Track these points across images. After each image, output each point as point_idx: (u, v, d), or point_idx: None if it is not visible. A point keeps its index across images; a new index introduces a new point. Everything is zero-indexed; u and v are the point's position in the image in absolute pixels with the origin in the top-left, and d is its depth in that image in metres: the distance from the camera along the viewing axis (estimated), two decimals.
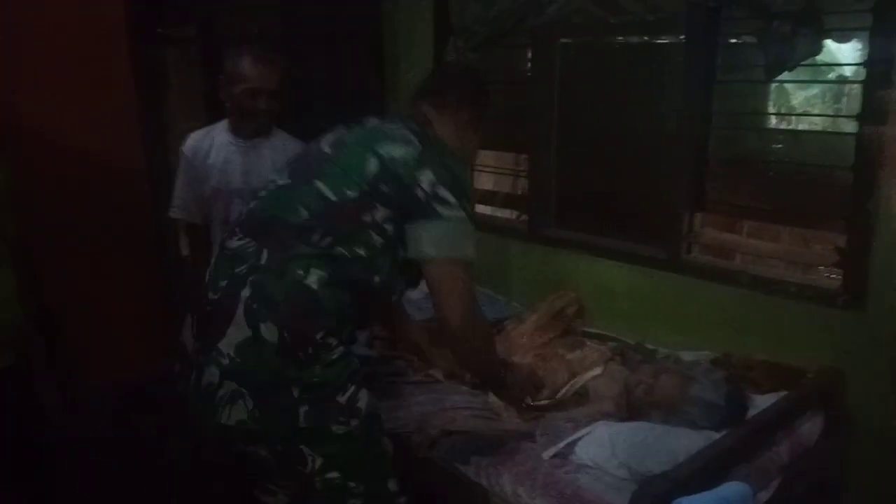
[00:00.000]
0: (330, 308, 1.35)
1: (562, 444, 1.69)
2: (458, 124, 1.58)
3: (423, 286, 1.51)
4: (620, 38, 2.56)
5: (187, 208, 2.28)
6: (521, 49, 2.90)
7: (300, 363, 1.31)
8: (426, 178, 1.39)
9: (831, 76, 3.04)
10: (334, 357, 1.35)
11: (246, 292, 1.32)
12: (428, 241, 1.40)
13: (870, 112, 1.76)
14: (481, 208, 3.14)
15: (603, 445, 1.62)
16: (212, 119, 2.37)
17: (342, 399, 1.36)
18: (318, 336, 1.33)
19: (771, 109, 2.87)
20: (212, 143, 2.26)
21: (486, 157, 3.06)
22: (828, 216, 2.08)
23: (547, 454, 1.68)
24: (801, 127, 3.40)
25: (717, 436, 1.58)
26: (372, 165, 1.40)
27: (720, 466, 1.46)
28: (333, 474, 1.37)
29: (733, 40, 2.17)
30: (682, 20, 2.11)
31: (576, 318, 2.20)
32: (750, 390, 1.79)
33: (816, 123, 3.24)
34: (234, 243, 1.41)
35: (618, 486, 1.54)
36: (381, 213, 1.39)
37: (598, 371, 1.92)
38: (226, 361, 1.29)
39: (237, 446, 1.43)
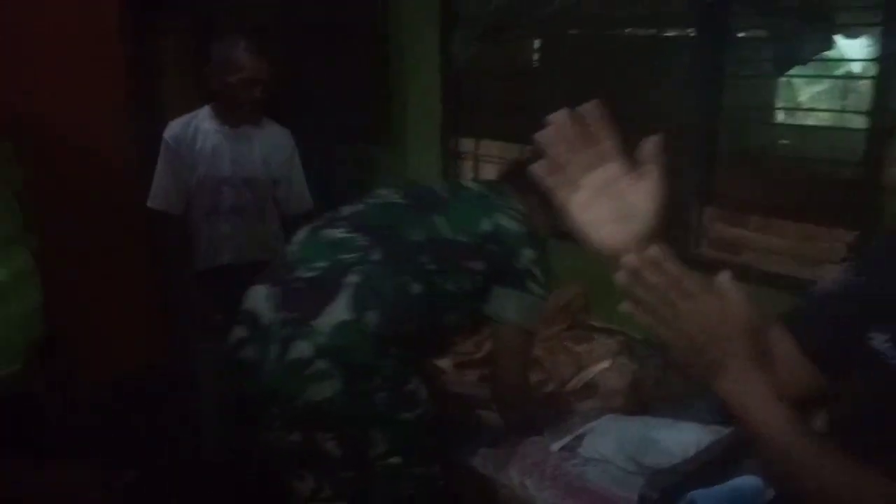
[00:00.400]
0: (420, 318, 1.48)
1: (569, 437, 1.70)
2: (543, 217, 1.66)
3: None
4: (629, 30, 2.54)
5: (167, 198, 2.25)
6: (526, 40, 2.89)
7: (388, 355, 1.41)
8: (528, 255, 1.55)
9: (840, 72, 3.03)
10: (407, 354, 1.46)
11: (353, 279, 1.40)
12: (512, 307, 1.54)
13: (879, 108, 1.76)
14: None
15: (611, 438, 1.63)
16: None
17: (409, 388, 1.45)
18: (406, 335, 1.44)
19: (779, 105, 2.86)
20: (196, 131, 2.23)
21: (490, 147, 3.05)
22: (837, 212, 2.07)
23: (555, 447, 1.68)
24: (808, 122, 3.39)
25: (725, 430, 1.58)
26: (486, 226, 1.55)
27: (729, 461, 1.46)
28: (395, 459, 1.43)
29: (741, 34, 2.16)
30: (692, 14, 2.10)
31: (582, 312, 2.20)
32: None
33: (825, 119, 3.23)
34: (338, 233, 1.51)
35: (625, 480, 1.54)
36: (478, 266, 1.53)
37: (606, 364, 1.92)
38: (322, 340, 1.34)
39: (297, 426, 1.42)
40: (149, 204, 2.25)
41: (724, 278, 0.81)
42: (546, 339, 2.07)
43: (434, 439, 1.55)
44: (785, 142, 2.45)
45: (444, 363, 2.14)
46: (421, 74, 2.81)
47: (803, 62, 1.82)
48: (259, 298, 1.44)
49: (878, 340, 0.81)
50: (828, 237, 2.45)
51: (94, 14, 2.60)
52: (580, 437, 1.70)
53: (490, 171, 3.20)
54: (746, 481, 1.15)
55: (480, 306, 1.55)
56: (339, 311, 1.36)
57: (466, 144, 2.97)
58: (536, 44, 2.70)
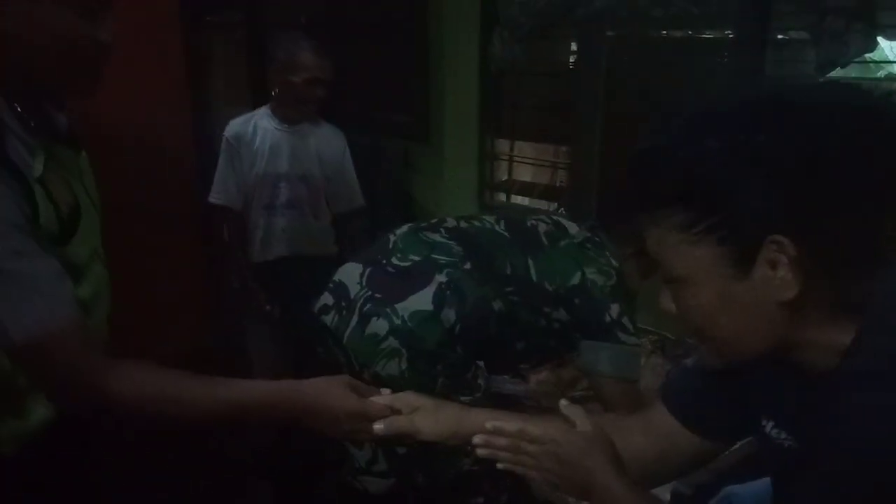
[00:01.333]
0: (493, 332, 1.55)
1: None
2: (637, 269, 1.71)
3: None
4: (668, 31, 2.54)
5: (228, 193, 2.33)
6: (562, 40, 2.90)
7: (454, 350, 1.50)
8: (615, 309, 1.57)
9: (881, 73, 2.99)
10: (471, 353, 1.57)
11: (441, 278, 1.49)
12: (606, 360, 1.57)
13: None
14: (519, 199, 3.15)
15: None
16: (257, 104, 2.42)
17: (469, 375, 1.54)
18: (475, 340, 1.54)
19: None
20: (255, 129, 2.31)
21: (524, 148, 3.07)
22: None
23: None
24: None
25: None
26: (575, 279, 1.57)
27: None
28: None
29: (780, 36, 2.15)
30: (732, 15, 2.10)
31: None
32: None
33: None
34: (437, 237, 1.59)
35: None
36: (558, 314, 1.58)
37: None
38: (398, 322, 1.45)
39: None
40: (210, 199, 2.34)
41: (565, 405, 0.93)
42: None
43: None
44: None
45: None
46: (460, 74, 2.84)
47: (845, 64, 1.80)
48: (351, 273, 1.55)
49: (768, 427, 0.83)
50: None
51: (154, 12, 2.68)
52: None
53: (523, 172, 3.22)
54: None
55: (558, 349, 1.63)
56: (421, 300, 1.46)
57: (502, 145, 2.99)
58: (575, 45, 2.71)
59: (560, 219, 1.73)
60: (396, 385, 1.39)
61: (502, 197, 3.07)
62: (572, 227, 1.69)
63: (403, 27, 2.95)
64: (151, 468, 2.35)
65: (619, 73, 2.51)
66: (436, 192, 3.07)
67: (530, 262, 1.58)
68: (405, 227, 1.66)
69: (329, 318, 1.52)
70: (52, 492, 1.05)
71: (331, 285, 1.58)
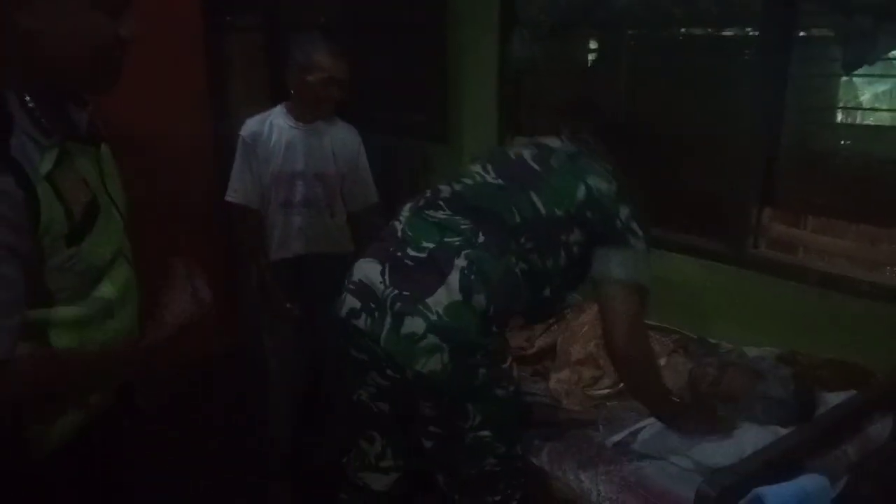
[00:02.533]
0: (523, 296, 1.54)
1: (625, 433, 1.71)
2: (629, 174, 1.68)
3: None
4: (692, 28, 2.53)
5: (245, 192, 2.34)
6: (580, 39, 2.89)
7: (492, 333, 1.49)
8: (624, 212, 1.54)
9: None
10: (505, 330, 1.58)
11: (461, 263, 1.47)
12: (617, 264, 1.52)
13: None
14: None
15: (667, 436, 1.64)
16: (276, 104, 2.43)
17: (506, 366, 1.54)
18: (509, 315, 1.54)
19: (840, 105, 2.81)
20: (271, 128, 2.32)
21: None
22: None
23: (610, 441, 1.70)
24: (871, 123, 3.31)
25: (783, 431, 1.58)
26: (581, 193, 1.54)
27: (788, 462, 1.46)
28: (486, 433, 1.51)
29: (802, 34, 2.13)
30: (756, 13, 2.08)
31: None
32: (817, 388, 1.78)
33: (888, 119, 3.14)
34: (440, 215, 1.57)
35: (682, 477, 1.56)
36: (574, 236, 1.55)
37: (661, 363, 1.92)
38: (434, 318, 1.43)
39: (398, 392, 1.56)
40: (227, 198, 2.35)
41: None
42: (600, 335, 2.08)
43: (519, 421, 1.63)
44: (846, 142, 2.41)
45: None
46: (479, 74, 2.84)
47: (872, 61, 1.78)
48: (372, 272, 1.53)
49: None
50: (887, 239, 2.40)
51: (175, 14, 2.69)
52: (635, 433, 1.71)
53: None
54: (813, 480, 1.16)
55: (582, 274, 1.58)
56: (450, 292, 1.45)
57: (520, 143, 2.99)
58: (595, 44, 2.70)
59: (539, 139, 1.68)
60: (439, 380, 1.44)
61: None
62: (554, 142, 1.65)
63: (422, 27, 2.95)
64: (175, 470, 2.37)
65: (638, 71, 2.50)
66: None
67: (534, 197, 1.54)
68: (406, 212, 1.63)
69: (361, 322, 1.50)
70: (80, 495, 1.06)
71: (351, 287, 1.55)
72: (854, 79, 3.24)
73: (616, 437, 1.71)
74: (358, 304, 1.52)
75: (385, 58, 3.09)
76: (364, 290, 1.52)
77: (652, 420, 1.71)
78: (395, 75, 3.10)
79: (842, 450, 1.60)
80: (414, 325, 1.43)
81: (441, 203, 1.59)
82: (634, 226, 1.54)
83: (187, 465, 2.43)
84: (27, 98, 0.93)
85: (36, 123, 0.92)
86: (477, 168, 1.65)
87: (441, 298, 1.44)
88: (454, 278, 1.45)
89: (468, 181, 1.62)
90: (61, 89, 0.99)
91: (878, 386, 1.77)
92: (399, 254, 1.53)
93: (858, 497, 1.57)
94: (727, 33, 2.53)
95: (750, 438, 1.56)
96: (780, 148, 2.12)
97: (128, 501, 1.31)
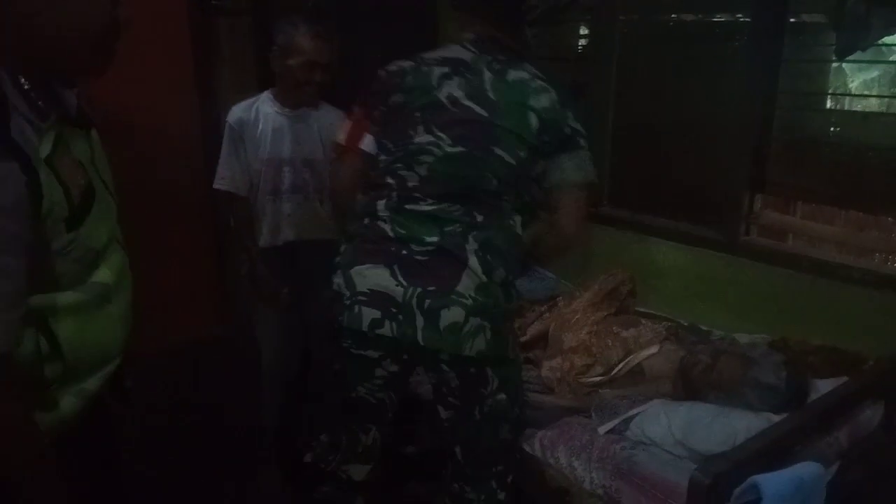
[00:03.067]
0: (526, 243, 1.58)
1: (617, 420, 1.71)
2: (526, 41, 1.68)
3: None
4: (683, 15, 2.51)
5: (233, 179, 2.31)
6: (572, 24, 2.87)
7: (512, 297, 1.56)
8: (570, 116, 1.55)
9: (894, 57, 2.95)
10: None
11: (473, 246, 1.48)
12: (572, 169, 1.55)
13: None
14: None
15: (659, 423, 1.64)
16: (264, 90, 2.39)
17: (515, 330, 1.62)
18: (524, 263, 1.60)
19: (830, 91, 2.81)
20: (257, 114, 2.29)
21: None
22: (887, 201, 2.03)
23: (602, 429, 1.70)
24: (861, 109, 3.31)
25: (776, 418, 1.58)
26: (534, 123, 1.52)
27: (780, 448, 1.46)
28: (502, 395, 1.56)
29: (792, 20, 2.12)
30: None
31: (629, 297, 2.20)
32: (809, 375, 1.78)
33: (879, 106, 3.15)
34: (426, 206, 1.52)
35: (675, 464, 1.56)
36: (540, 164, 1.55)
37: (653, 350, 1.92)
38: (470, 302, 1.46)
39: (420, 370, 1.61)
40: (215, 185, 2.32)
41: None
42: (593, 323, 2.08)
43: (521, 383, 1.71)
44: (838, 129, 2.41)
45: None
46: None
47: (866, 47, 1.78)
48: (382, 278, 1.49)
49: None
50: (876, 226, 2.42)
51: None
52: (627, 421, 1.71)
53: None
54: (808, 467, 1.16)
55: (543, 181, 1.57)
56: (474, 275, 1.47)
57: None
58: (587, 30, 2.68)
59: (446, 52, 1.59)
60: (483, 357, 1.49)
61: None
62: (465, 54, 1.56)
63: (412, 12, 2.91)
64: (163, 457, 2.36)
65: (631, 57, 2.48)
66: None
67: (498, 152, 1.51)
68: (382, 209, 1.55)
69: (387, 329, 1.48)
70: (80, 482, 1.04)
71: (363, 298, 1.50)
72: (844, 65, 3.24)
73: (608, 425, 1.71)
74: (378, 314, 1.48)
75: (375, 44, 3.05)
76: (380, 298, 1.49)
77: (645, 407, 1.71)
78: (384, 61, 3.06)
79: (833, 436, 1.61)
80: (453, 315, 1.45)
81: (417, 194, 1.53)
82: (579, 126, 1.56)
83: (176, 452, 2.42)
84: (22, 79, 0.90)
85: (32, 105, 0.90)
86: (426, 137, 1.54)
87: (469, 283, 1.47)
88: (474, 262, 1.47)
89: (428, 159, 1.53)
90: (54, 71, 0.97)
91: (869, 373, 1.78)
92: (404, 252, 1.50)
93: (849, 483, 1.58)
94: (718, 19, 2.53)
95: (742, 425, 1.56)
96: (771, 135, 2.11)
97: (121, 487, 1.29)
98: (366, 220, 1.56)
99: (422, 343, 1.46)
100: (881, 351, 1.83)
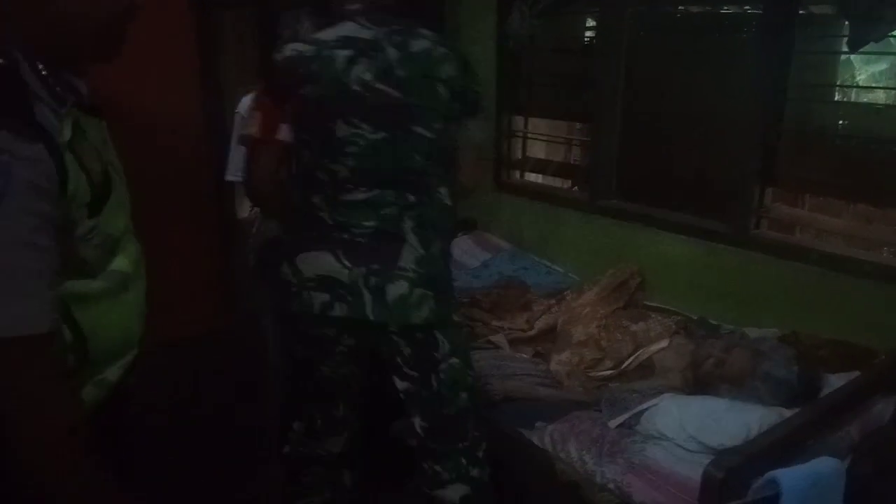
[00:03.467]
0: (456, 203, 1.64)
1: (628, 414, 1.71)
2: None
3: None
4: (691, 6, 2.50)
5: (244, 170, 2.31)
6: (578, 16, 2.85)
7: (449, 264, 1.64)
8: (472, 78, 1.59)
9: None
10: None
11: (410, 224, 1.55)
12: (475, 130, 1.62)
13: None
14: (533, 177, 3.13)
15: (671, 417, 1.63)
16: None
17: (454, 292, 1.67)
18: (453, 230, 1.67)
19: (837, 84, 2.79)
20: None
21: (538, 125, 3.04)
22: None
23: (613, 423, 1.70)
24: (869, 101, 3.31)
25: (788, 412, 1.58)
26: (444, 93, 1.54)
27: (793, 443, 1.46)
28: (455, 360, 1.61)
29: (802, 11, 2.11)
30: None
31: (638, 291, 2.19)
32: (820, 369, 1.78)
33: (887, 99, 3.14)
34: (361, 195, 1.55)
35: (687, 458, 1.56)
36: (452, 129, 1.58)
37: (663, 344, 1.92)
38: (412, 275, 1.53)
39: (382, 341, 1.61)
40: (227, 177, 2.32)
41: None
42: (602, 317, 2.08)
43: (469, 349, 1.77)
44: (847, 121, 2.40)
45: (500, 340, 2.17)
46: (477, 51, 2.80)
47: (879, 39, 1.76)
48: (327, 263, 1.54)
49: None
50: (883, 219, 2.41)
51: None
52: (638, 415, 1.71)
53: (538, 149, 3.20)
54: (826, 462, 1.15)
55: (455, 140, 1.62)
56: (411, 250, 1.54)
57: (518, 122, 2.96)
58: (594, 21, 2.66)
59: (341, 29, 1.55)
60: (429, 323, 1.55)
61: (519, 175, 3.04)
62: (362, 31, 1.53)
63: (420, 3, 2.89)
64: (167, 453, 2.35)
65: (640, 49, 2.47)
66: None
67: (419, 129, 1.52)
68: (318, 202, 1.56)
69: (337, 311, 1.54)
70: (103, 468, 1.04)
71: (311, 284, 1.56)
72: (851, 58, 3.22)
73: (619, 419, 1.71)
74: (328, 297, 1.54)
75: None
76: (328, 282, 1.54)
77: (656, 401, 1.71)
78: None
79: (845, 430, 1.61)
80: (398, 289, 1.53)
81: (349, 185, 1.55)
82: (478, 86, 1.61)
83: (180, 447, 2.41)
84: (40, 66, 0.89)
85: (51, 91, 0.90)
86: (347, 129, 1.52)
87: (409, 258, 1.54)
88: (412, 238, 1.54)
89: (353, 150, 1.53)
90: (67, 58, 0.96)
91: (880, 367, 1.77)
92: (346, 237, 1.55)
93: (860, 476, 1.58)
94: (727, 10, 2.51)
95: (755, 419, 1.56)
96: (781, 127, 2.10)
97: (138, 477, 1.29)
98: (304, 213, 1.59)
99: (372, 319, 1.53)
100: (891, 345, 1.82)
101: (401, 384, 1.63)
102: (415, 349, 1.59)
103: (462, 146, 1.61)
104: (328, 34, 1.55)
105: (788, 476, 1.07)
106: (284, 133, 1.60)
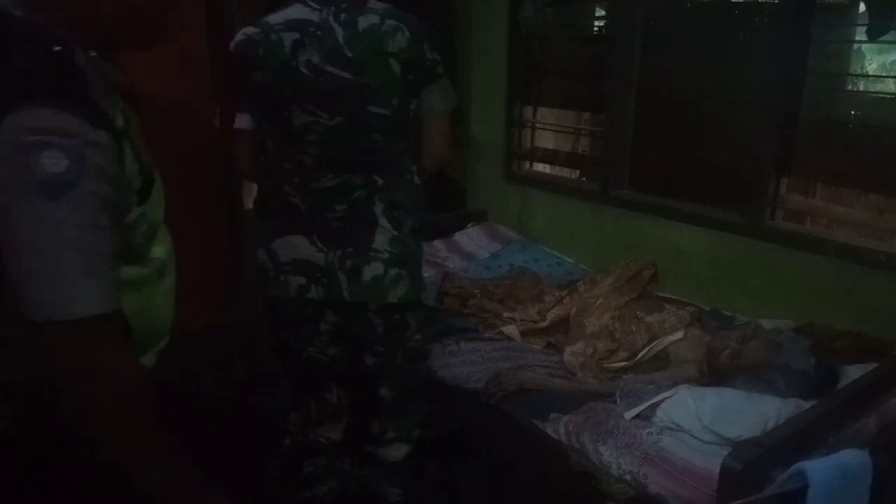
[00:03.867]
0: (421, 193, 1.66)
1: (644, 406, 1.70)
2: None
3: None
4: None
5: None
6: (591, 3, 2.82)
7: (420, 243, 1.66)
8: (426, 47, 1.55)
9: None
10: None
11: (381, 206, 1.57)
12: (437, 99, 1.60)
13: None
14: (540, 167, 3.10)
15: (687, 409, 1.62)
16: None
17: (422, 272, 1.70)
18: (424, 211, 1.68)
19: (852, 73, 2.76)
20: None
21: (546, 115, 3.01)
22: None
23: (629, 414, 1.69)
24: (877, 90, 3.27)
25: (805, 404, 1.57)
26: (396, 68, 1.51)
27: (812, 434, 1.46)
28: (419, 336, 1.69)
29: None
30: None
31: (651, 282, 2.18)
32: (836, 360, 1.77)
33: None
34: (330, 181, 1.56)
35: (703, 450, 1.55)
36: (413, 103, 1.58)
37: (678, 335, 1.90)
38: (386, 255, 1.57)
39: (357, 321, 1.63)
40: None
41: None
42: (616, 308, 2.06)
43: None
44: (862, 112, 2.37)
45: (511, 331, 2.16)
46: (489, 40, 2.78)
47: None
48: (303, 247, 1.57)
49: None
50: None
51: None
52: (654, 406, 1.70)
53: (546, 139, 3.17)
54: (852, 454, 1.14)
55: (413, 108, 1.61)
56: (384, 233, 1.57)
57: (528, 112, 2.94)
58: (608, 9, 2.63)
59: (306, 20, 1.50)
60: (405, 301, 1.59)
61: (529, 165, 3.02)
62: (321, 16, 1.49)
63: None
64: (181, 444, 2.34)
65: (653, 37, 2.44)
66: (462, 161, 3.03)
67: (375, 109, 1.51)
68: (289, 190, 1.57)
69: (314, 293, 1.57)
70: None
71: (288, 268, 1.58)
72: (863, 47, 3.19)
73: (635, 410, 1.69)
74: (304, 280, 1.57)
75: None
76: (304, 266, 1.57)
77: (671, 393, 1.70)
78: None
79: (862, 422, 1.59)
80: (374, 270, 1.56)
81: (316, 172, 1.55)
82: (435, 54, 1.57)
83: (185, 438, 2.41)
84: (92, 53, 0.91)
85: (102, 79, 0.91)
86: (303, 117, 1.50)
87: (382, 239, 1.57)
88: (384, 220, 1.57)
89: (314, 138, 1.52)
90: (109, 45, 0.97)
91: None
92: (320, 220, 1.56)
93: (879, 469, 1.57)
94: None
95: (772, 411, 1.55)
96: (798, 117, 2.08)
97: None
98: (277, 199, 1.60)
99: (349, 299, 1.57)
100: None
101: (370, 359, 1.67)
102: (387, 327, 1.62)
103: (428, 117, 1.61)
104: (278, 17, 1.50)
105: (816, 468, 1.06)
106: (244, 122, 1.59)
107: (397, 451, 1.75)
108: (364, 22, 1.49)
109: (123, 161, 0.89)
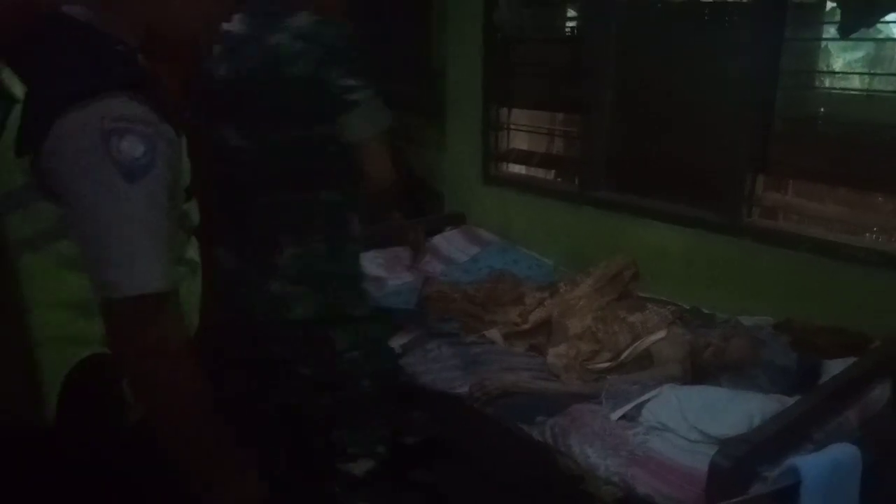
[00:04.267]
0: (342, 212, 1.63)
1: (629, 406, 1.69)
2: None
3: None
4: None
5: None
6: (567, 4, 2.82)
7: (346, 260, 1.63)
8: (335, 76, 1.44)
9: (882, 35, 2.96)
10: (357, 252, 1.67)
11: (288, 225, 1.55)
12: (360, 126, 1.50)
13: None
14: (516, 168, 3.09)
15: (672, 408, 1.62)
16: None
17: (361, 288, 1.67)
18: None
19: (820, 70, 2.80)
20: None
21: (522, 116, 3.01)
22: (884, 179, 2.02)
23: (615, 415, 1.68)
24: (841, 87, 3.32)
25: (789, 400, 1.57)
26: (297, 92, 1.45)
27: (798, 431, 1.46)
28: (354, 354, 1.63)
29: None
30: None
31: (632, 282, 2.18)
32: (816, 356, 1.78)
33: (872, 85, 3.16)
34: (239, 200, 1.58)
35: (690, 449, 1.54)
36: (327, 126, 1.51)
37: (661, 334, 1.90)
38: (291, 271, 1.55)
39: (273, 344, 1.64)
40: None
41: None
42: (598, 308, 2.06)
43: (382, 338, 1.81)
44: (836, 109, 2.40)
45: (494, 335, 2.15)
46: (465, 42, 2.77)
47: (871, 24, 1.77)
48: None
49: None
50: (870, 206, 2.42)
51: None
52: (639, 407, 1.69)
53: (520, 140, 3.16)
54: (843, 449, 1.15)
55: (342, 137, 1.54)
56: (291, 248, 1.55)
57: (504, 114, 2.93)
58: (583, 10, 2.63)
59: (233, 34, 1.49)
60: (309, 321, 1.57)
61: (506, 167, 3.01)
62: (246, 30, 1.48)
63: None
64: None
65: (628, 36, 2.45)
66: (438, 164, 3.02)
67: (280, 130, 1.49)
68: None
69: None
70: None
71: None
72: (829, 46, 3.23)
73: (620, 411, 1.69)
74: (221, 289, 1.55)
75: (367, 23, 2.99)
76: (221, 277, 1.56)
77: (656, 392, 1.70)
78: (377, 41, 3.00)
79: (844, 416, 1.61)
80: (279, 285, 1.55)
81: (226, 189, 1.55)
82: (349, 79, 1.45)
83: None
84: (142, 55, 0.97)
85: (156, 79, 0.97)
86: (219, 133, 1.51)
87: (288, 254, 1.55)
88: (288, 238, 1.54)
89: (225, 154, 1.52)
90: (155, 53, 1.02)
91: (877, 352, 1.78)
92: (231, 236, 1.57)
93: (864, 463, 1.58)
94: None
95: (756, 407, 1.55)
96: (773, 115, 2.10)
97: None
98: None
99: (254, 312, 1.57)
100: (885, 330, 1.83)
101: (304, 370, 1.64)
102: (305, 345, 1.61)
103: (357, 144, 1.51)
104: (226, 27, 1.47)
105: (808, 464, 1.06)
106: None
107: (359, 467, 1.72)
108: (272, 39, 1.44)
109: (180, 156, 0.95)
